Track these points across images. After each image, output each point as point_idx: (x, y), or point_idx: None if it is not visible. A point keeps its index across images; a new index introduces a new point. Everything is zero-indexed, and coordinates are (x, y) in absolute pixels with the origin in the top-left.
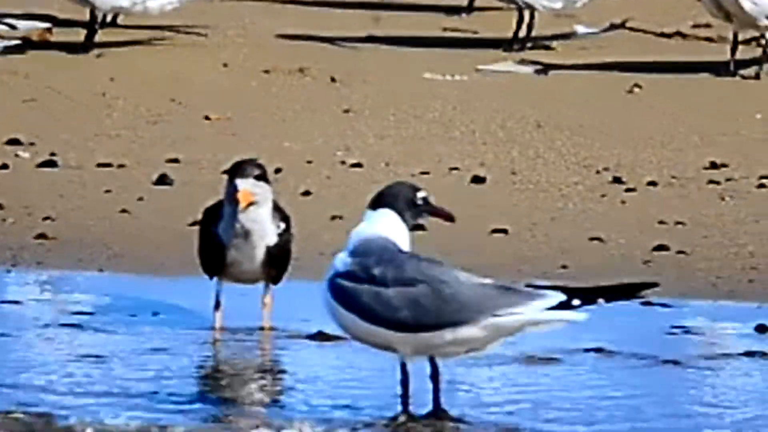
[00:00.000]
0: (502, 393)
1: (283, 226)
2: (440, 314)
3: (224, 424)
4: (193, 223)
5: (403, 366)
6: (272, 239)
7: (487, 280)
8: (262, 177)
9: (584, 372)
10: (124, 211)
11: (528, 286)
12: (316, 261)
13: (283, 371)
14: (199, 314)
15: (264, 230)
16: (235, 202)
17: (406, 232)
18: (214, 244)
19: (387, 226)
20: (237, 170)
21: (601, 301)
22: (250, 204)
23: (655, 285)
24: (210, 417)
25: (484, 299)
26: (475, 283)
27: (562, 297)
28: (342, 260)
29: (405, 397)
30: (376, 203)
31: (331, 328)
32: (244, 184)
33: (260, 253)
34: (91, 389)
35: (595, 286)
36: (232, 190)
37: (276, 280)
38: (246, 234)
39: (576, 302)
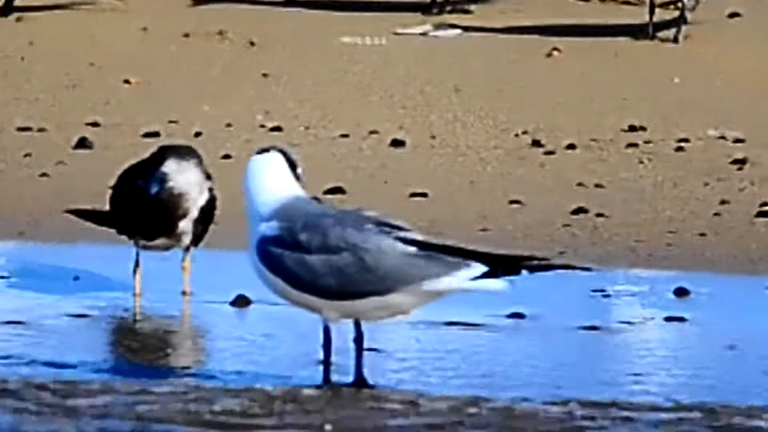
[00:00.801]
0: (423, 359)
1: (210, 184)
2: (364, 283)
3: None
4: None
5: (326, 330)
6: (205, 198)
7: (417, 236)
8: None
9: (504, 338)
10: (44, 174)
11: (455, 249)
12: (236, 224)
13: (202, 336)
14: (119, 279)
15: (201, 190)
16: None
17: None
18: (145, 204)
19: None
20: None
21: (524, 271)
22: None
23: (570, 267)
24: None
25: (408, 268)
26: (399, 252)
27: (485, 268)
28: (270, 225)
29: (327, 361)
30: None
31: (252, 293)
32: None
33: (194, 213)
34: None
35: (516, 254)
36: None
37: (197, 242)
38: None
39: (500, 272)
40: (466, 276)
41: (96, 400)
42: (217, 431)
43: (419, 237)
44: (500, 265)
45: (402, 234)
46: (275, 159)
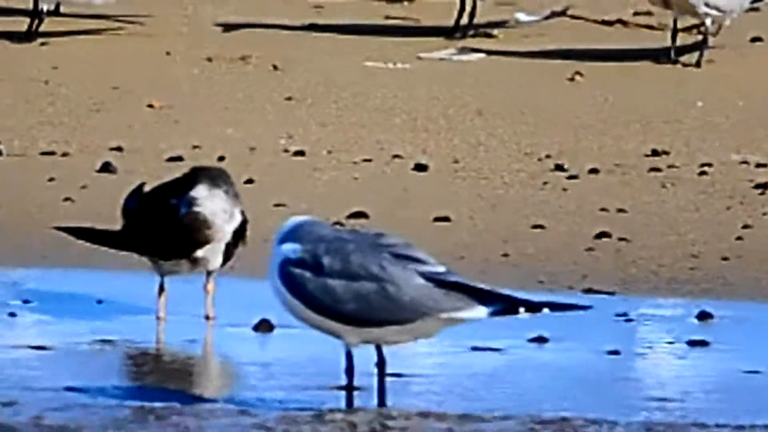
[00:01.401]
0: (445, 383)
1: (240, 207)
2: (384, 311)
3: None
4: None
5: (348, 354)
6: (234, 226)
7: (439, 268)
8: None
9: (526, 362)
10: (67, 199)
11: (475, 290)
12: (259, 248)
13: (225, 360)
14: (142, 302)
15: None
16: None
17: None
18: (170, 219)
19: None
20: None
21: (546, 310)
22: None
23: (589, 307)
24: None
25: (427, 301)
26: (418, 284)
27: (504, 305)
28: (292, 248)
29: (350, 386)
30: None
31: (275, 318)
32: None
33: (227, 236)
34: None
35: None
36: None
37: (224, 261)
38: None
39: (521, 311)
40: (485, 312)
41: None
42: None
43: (440, 269)
44: (520, 309)
45: (422, 268)
46: None
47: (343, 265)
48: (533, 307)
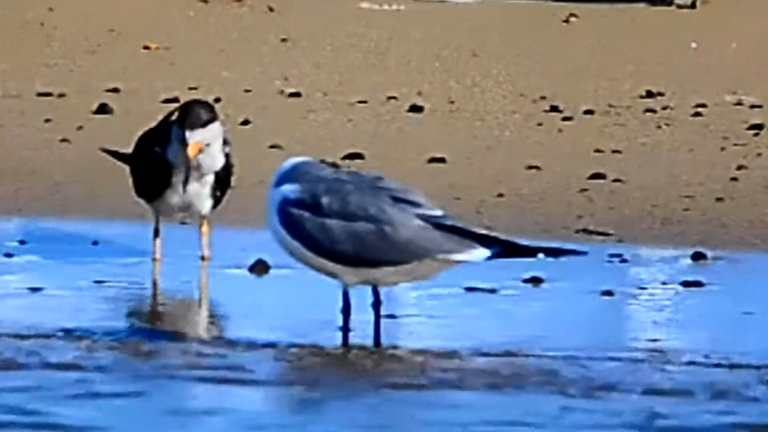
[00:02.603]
0: (440, 323)
1: (227, 149)
2: (379, 252)
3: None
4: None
5: (345, 294)
6: (219, 166)
7: (437, 212)
8: (211, 120)
9: (520, 302)
10: (64, 140)
11: (473, 234)
12: (254, 189)
13: (222, 301)
14: (138, 243)
15: (214, 163)
16: (185, 155)
17: None
18: (161, 166)
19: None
20: (185, 121)
21: (540, 255)
22: (200, 151)
23: (584, 253)
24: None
25: (424, 242)
26: (416, 226)
27: (498, 249)
28: (291, 188)
29: (345, 326)
30: None
31: (271, 258)
32: (192, 137)
33: (210, 178)
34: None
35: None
36: (181, 141)
37: (215, 205)
38: (199, 165)
39: (516, 253)
40: (480, 255)
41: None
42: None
43: (437, 213)
44: (516, 253)
45: (420, 211)
46: None
47: (341, 205)
48: (528, 252)
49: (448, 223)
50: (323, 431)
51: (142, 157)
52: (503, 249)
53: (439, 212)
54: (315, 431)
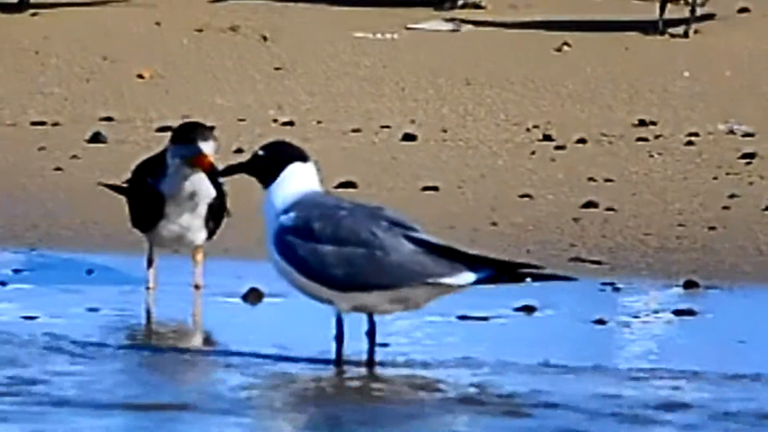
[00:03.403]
0: (432, 351)
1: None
2: (372, 276)
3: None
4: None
5: (339, 321)
6: (213, 195)
7: (427, 238)
8: (214, 136)
9: (512, 330)
10: (58, 168)
11: (463, 255)
12: (249, 219)
13: (214, 329)
14: (133, 272)
15: (209, 190)
16: (201, 166)
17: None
18: (154, 198)
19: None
20: (198, 133)
21: (528, 280)
22: (212, 167)
23: (575, 279)
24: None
25: (414, 266)
26: (407, 250)
27: (490, 272)
28: (288, 216)
29: (339, 353)
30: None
31: (264, 287)
32: (208, 148)
33: (203, 210)
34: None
35: (523, 263)
36: (193, 153)
37: (209, 236)
38: (192, 195)
39: (504, 278)
40: (469, 280)
41: None
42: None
43: (429, 239)
44: (506, 272)
45: (412, 234)
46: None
47: (333, 230)
48: (519, 276)
49: (440, 244)
50: None
51: (136, 189)
52: (495, 271)
53: (433, 239)
54: None
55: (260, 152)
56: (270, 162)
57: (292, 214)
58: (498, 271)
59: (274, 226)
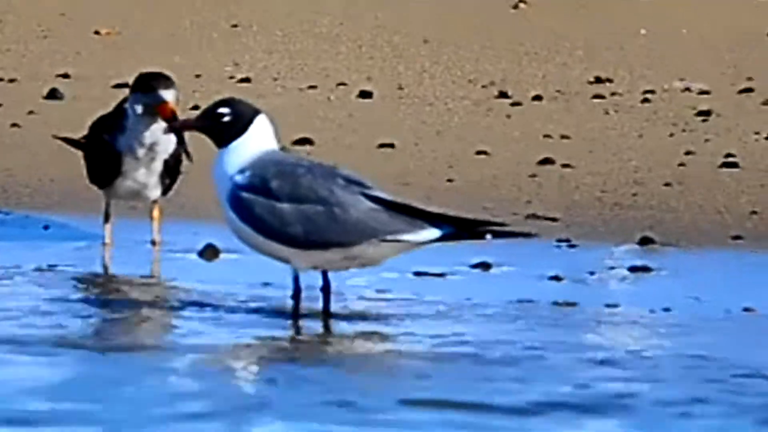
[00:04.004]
0: (389, 306)
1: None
2: (329, 233)
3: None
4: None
5: (296, 279)
6: (170, 151)
7: (384, 195)
8: (176, 89)
9: (468, 287)
10: (14, 125)
11: (422, 212)
12: (206, 177)
13: (171, 284)
14: (89, 228)
15: (168, 142)
16: (163, 115)
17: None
18: (111, 154)
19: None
20: (158, 81)
21: (488, 236)
22: (174, 116)
23: (534, 235)
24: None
25: (373, 223)
26: (365, 207)
27: (450, 229)
28: (244, 174)
29: (296, 309)
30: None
31: (221, 242)
32: (169, 96)
33: (159, 165)
34: None
35: (481, 220)
36: (154, 101)
37: (165, 191)
38: (152, 146)
39: (464, 236)
40: (429, 237)
41: None
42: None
43: (386, 196)
44: (466, 230)
45: (369, 191)
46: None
47: (291, 188)
48: (478, 234)
49: (399, 201)
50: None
51: (92, 145)
52: (455, 228)
53: (390, 196)
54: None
55: (221, 110)
56: (234, 121)
57: (248, 173)
58: (458, 228)
59: (228, 185)
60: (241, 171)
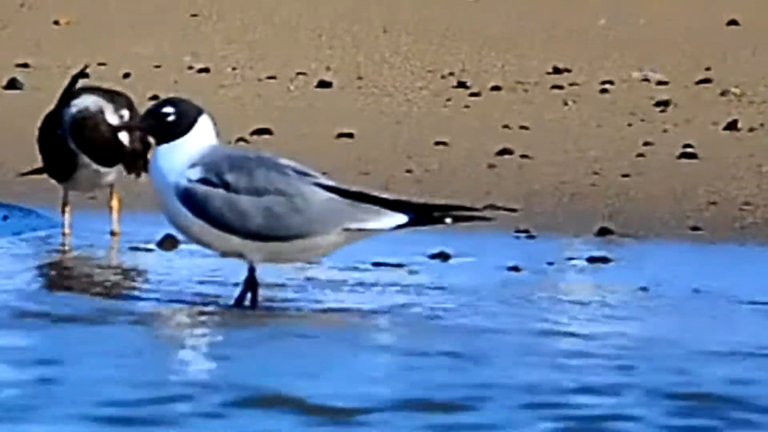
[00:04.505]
0: (348, 298)
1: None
2: (293, 225)
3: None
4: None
5: (252, 270)
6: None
7: (338, 185)
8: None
9: (427, 277)
10: None
11: (378, 199)
12: None
13: (129, 273)
14: (49, 216)
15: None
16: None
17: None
18: (65, 150)
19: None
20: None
21: (448, 221)
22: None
23: (491, 219)
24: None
25: (332, 213)
26: (323, 197)
27: (408, 217)
28: (194, 169)
29: (254, 300)
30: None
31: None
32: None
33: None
34: None
35: (441, 204)
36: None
37: (136, 171)
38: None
39: (424, 221)
40: (390, 224)
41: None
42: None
43: (339, 185)
44: (425, 215)
45: (321, 181)
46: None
47: (248, 180)
48: (438, 219)
49: (354, 190)
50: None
51: (46, 141)
52: (414, 214)
53: (343, 185)
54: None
55: (165, 110)
56: (178, 120)
57: (199, 167)
58: (417, 213)
59: (177, 182)
60: (192, 166)
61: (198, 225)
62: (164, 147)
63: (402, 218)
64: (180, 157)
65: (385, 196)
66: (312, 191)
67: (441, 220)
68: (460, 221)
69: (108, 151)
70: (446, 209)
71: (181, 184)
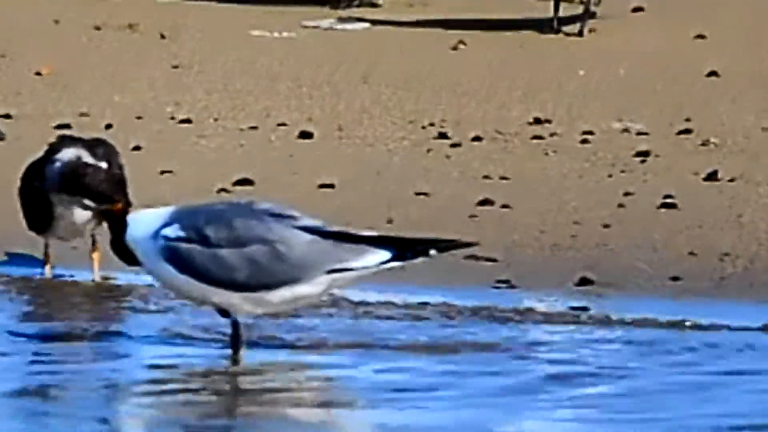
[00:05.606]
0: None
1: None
2: (278, 272)
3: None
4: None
5: (235, 324)
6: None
7: (316, 225)
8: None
9: (404, 325)
10: None
11: (362, 237)
12: None
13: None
14: (34, 269)
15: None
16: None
17: None
18: (43, 200)
19: None
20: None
21: (432, 252)
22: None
23: (475, 244)
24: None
25: (317, 255)
26: (305, 240)
27: (391, 253)
28: (172, 227)
29: (235, 357)
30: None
31: None
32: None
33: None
34: None
35: (423, 237)
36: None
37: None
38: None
39: (409, 256)
40: (374, 261)
41: None
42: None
43: (318, 225)
44: (407, 249)
45: (299, 223)
46: None
47: (227, 232)
48: (421, 252)
49: (333, 229)
50: None
51: (25, 192)
52: (397, 250)
53: (319, 222)
54: None
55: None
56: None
57: (176, 225)
58: (399, 249)
59: (156, 242)
60: (167, 225)
61: (186, 281)
62: (132, 216)
63: (385, 254)
64: (150, 219)
65: (366, 233)
66: (293, 234)
67: (425, 253)
68: (444, 251)
69: (111, 184)
70: (428, 243)
71: (159, 244)
